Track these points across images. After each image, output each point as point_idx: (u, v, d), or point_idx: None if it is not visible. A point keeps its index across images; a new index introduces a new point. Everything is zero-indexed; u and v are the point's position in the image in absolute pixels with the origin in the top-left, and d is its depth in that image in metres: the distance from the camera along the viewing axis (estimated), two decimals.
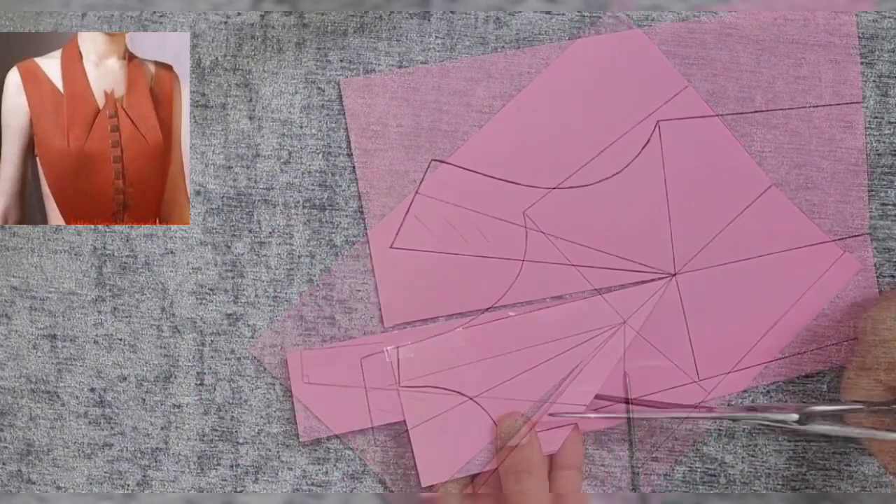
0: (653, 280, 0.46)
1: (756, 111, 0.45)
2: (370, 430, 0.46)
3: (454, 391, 0.45)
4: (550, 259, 0.45)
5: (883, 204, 0.46)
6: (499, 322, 0.45)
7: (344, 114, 0.45)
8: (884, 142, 0.46)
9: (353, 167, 0.45)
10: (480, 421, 0.45)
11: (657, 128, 0.45)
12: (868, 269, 0.46)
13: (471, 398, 0.45)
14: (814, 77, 0.45)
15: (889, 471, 0.44)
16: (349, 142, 0.45)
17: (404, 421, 0.45)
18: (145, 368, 0.47)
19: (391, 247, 0.45)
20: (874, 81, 0.45)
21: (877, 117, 0.45)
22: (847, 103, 0.45)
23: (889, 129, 0.45)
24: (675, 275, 0.46)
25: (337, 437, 0.47)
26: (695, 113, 0.45)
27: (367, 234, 0.45)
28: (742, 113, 0.45)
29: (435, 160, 0.45)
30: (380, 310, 0.46)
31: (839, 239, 0.46)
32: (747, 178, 0.45)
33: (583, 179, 0.45)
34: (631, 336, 0.45)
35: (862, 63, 0.45)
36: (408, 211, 0.45)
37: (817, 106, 0.45)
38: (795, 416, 0.43)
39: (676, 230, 0.45)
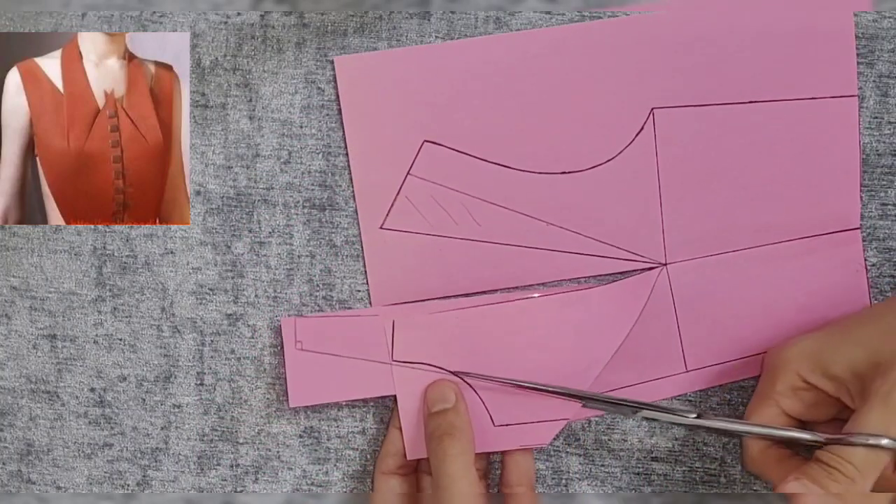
0: (644, 269, 0.46)
1: (751, 101, 0.45)
2: (361, 402, 0.47)
3: (446, 369, 0.45)
4: (541, 245, 0.45)
5: (883, 204, 0.46)
6: (498, 305, 0.45)
7: (343, 133, 0.45)
8: (884, 142, 0.46)
9: (345, 146, 0.45)
10: (470, 400, 0.45)
11: (651, 115, 0.45)
12: (859, 263, 0.46)
13: (461, 376, 0.45)
14: (810, 69, 0.44)
15: (770, 482, 0.43)
16: (342, 122, 0.45)
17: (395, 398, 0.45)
18: (145, 368, 0.47)
19: (381, 227, 0.45)
20: (874, 81, 0.45)
21: (877, 117, 0.45)
22: (842, 96, 0.45)
23: (889, 129, 0.45)
24: (665, 264, 0.46)
25: (338, 436, 0.47)
26: (690, 101, 0.45)
27: (357, 213, 0.45)
28: (737, 103, 0.45)
29: (427, 141, 0.45)
30: (368, 291, 0.46)
31: (831, 233, 0.46)
32: (740, 168, 0.45)
33: (575, 165, 0.45)
34: (621, 325, 0.45)
35: (862, 63, 0.45)
36: (399, 191, 0.45)
37: (813, 98, 0.45)
38: (695, 413, 0.42)
39: (668, 219, 0.45)
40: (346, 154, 0.45)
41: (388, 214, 0.45)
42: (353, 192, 0.45)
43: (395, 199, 0.45)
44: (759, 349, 0.46)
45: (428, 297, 0.45)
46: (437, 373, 0.45)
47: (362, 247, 0.45)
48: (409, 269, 0.45)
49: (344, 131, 0.45)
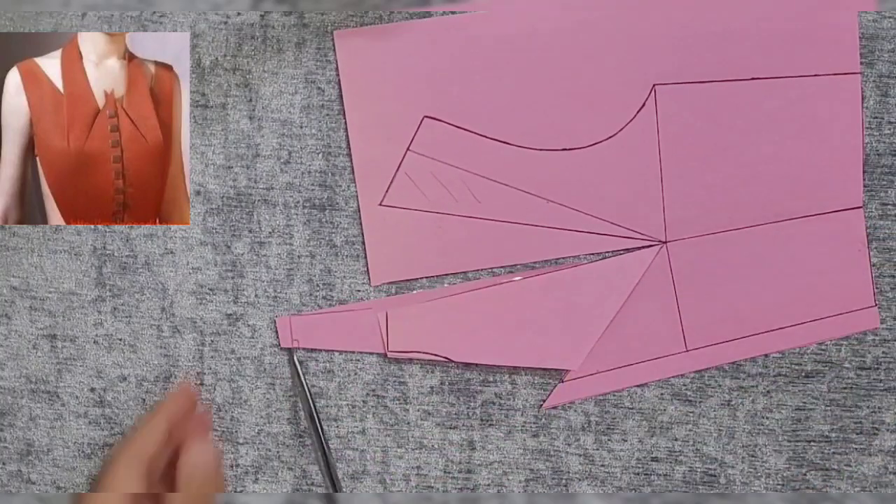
0: (643, 247, 0.46)
1: (753, 78, 0.45)
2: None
3: (441, 356, 0.45)
4: (541, 222, 0.45)
5: (883, 204, 0.46)
6: (488, 289, 0.45)
7: (343, 112, 0.45)
8: (884, 142, 0.45)
9: (344, 121, 0.45)
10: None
11: (653, 91, 0.44)
12: (861, 242, 0.46)
13: (457, 363, 0.45)
14: (813, 46, 0.44)
15: None
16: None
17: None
18: (145, 368, 0.47)
19: (380, 204, 0.45)
20: (874, 81, 0.45)
21: (877, 117, 0.45)
22: (845, 73, 0.45)
23: (889, 129, 0.45)
24: (665, 242, 0.46)
25: (338, 437, 0.47)
26: (692, 78, 0.44)
27: (356, 189, 0.45)
28: (740, 80, 0.44)
29: (427, 117, 0.44)
30: (367, 270, 0.46)
31: (833, 212, 0.46)
32: (742, 145, 0.45)
33: (576, 142, 0.45)
34: (619, 304, 0.45)
35: (862, 63, 0.45)
36: (398, 168, 0.45)
37: (815, 75, 0.45)
38: None
39: (669, 197, 0.45)
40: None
41: (387, 191, 0.45)
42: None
43: (394, 176, 0.45)
44: (759, 329, 0.46)
45: (427, 275, 0.45)
46: (433, 359, 0.45)
47: (361, 223, 0.45)
48: (409, 246, 0.45)
49: (343, 107, 0.45)
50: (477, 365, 0.46)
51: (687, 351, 0.46)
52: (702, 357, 0.46)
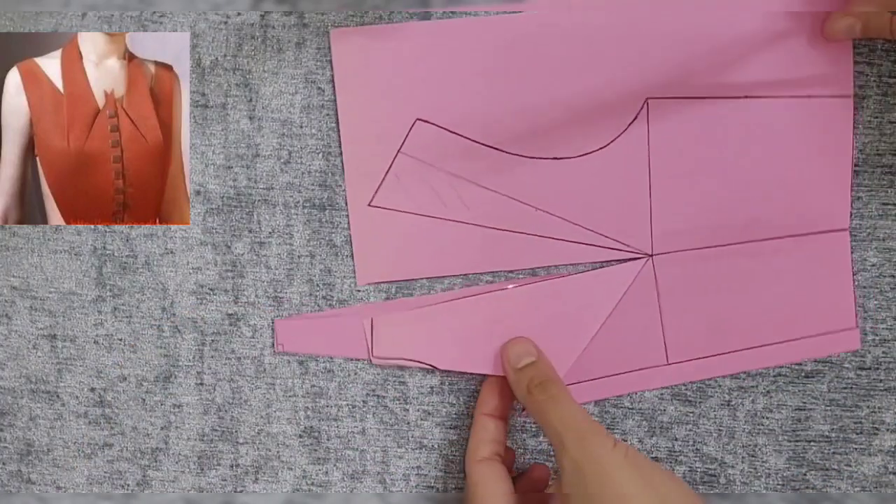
0: (629, 260, 0.46)
1: (746, 97, 0.45)
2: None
3: (426, 364, 0.45)
4: (528, 230, 0.45)
5: (883, 204, 0.46)
6: (474, 298, 0.45)
7: (331, 65, 0.45)
8: (884, 142, 0.45)
9: (337, 121, 0.45)
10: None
11: (645, 105, 0.45)
12: (845, 264, 0.46)
13: (441, 371, 0.45)
14: (807, 67, 0.44)
15: None
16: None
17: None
18: (145, 368, 0.47)
19: (369, 205, 0.45)
20: (874, 81, 0.45)
21: (877, 117, 0.45)
22: (838, 96, 0.45)
23: (889, 129, 0.45)
24: (652, 255, 0.46)
25: (338, 436, 0.47)
26: (685, 94, 0.44)
27: (345, 189, 0.45)
28: (732, 97, 0.45)
29: (420, 120, 0.44)
30: (354, 272, 0.46)
31: (819, 232, 0.46)
32: (732, 163, 0.45)
33: (567, 152, 0.45)
34: (604, 316, 0.45)
35: (862, 63, 0.45)
36: (389, 169, 0.45)
37: (808, 97, 0.45)
38: None
39: (657, 210, 0.45)
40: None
41: (376, 192, 0.45)
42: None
43: (384, 177, 0.45)
44: (741, 346, 0.46)
45: (412, 277, 0.45)
46: (417, 367, 0.45)
47: (349, 223, 0.45)
48: (395, 248, 0.45)
49: (336, 105, 0.45)
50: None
51: (668, 364, 0.46)
52: (683, 371, 0.46)
